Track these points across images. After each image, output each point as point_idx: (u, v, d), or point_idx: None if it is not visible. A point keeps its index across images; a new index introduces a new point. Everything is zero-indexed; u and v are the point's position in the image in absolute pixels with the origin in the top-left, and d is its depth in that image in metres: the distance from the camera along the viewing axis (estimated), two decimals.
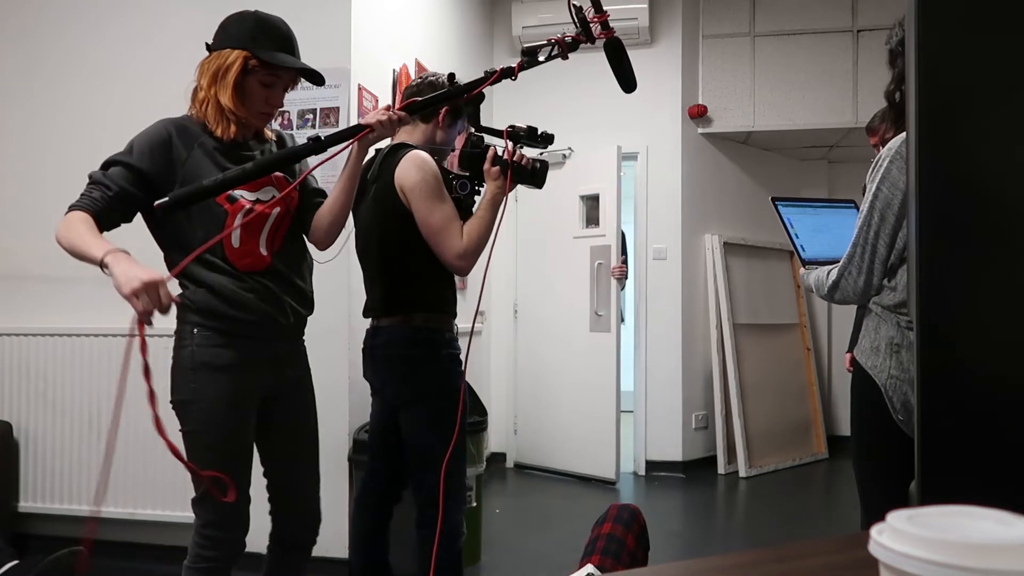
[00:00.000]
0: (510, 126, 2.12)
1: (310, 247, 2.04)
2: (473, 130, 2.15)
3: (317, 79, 1.92)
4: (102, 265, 1.63)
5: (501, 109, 5.12)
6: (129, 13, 3.39)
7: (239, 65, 1.81)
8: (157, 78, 3.34)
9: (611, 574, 1.59)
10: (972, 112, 0.96)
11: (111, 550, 3.19)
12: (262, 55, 1.82)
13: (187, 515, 3.09)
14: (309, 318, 2.02)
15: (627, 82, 1.93)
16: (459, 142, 2.31)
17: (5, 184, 3.49)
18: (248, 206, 1.82)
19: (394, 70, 3.68)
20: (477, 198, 2.19)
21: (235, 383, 1.84)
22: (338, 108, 3.15)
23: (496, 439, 5.32)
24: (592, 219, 5.12)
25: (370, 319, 2.24)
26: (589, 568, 1.62)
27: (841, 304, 1.82)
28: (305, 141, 1.92)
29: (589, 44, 1.88)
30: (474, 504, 3.10)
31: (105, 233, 1.76)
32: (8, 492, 3.25)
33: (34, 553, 2.96)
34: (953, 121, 0.96)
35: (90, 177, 1.81)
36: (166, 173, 1.81)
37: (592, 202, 5.14)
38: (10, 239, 3.46)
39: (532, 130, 2.11)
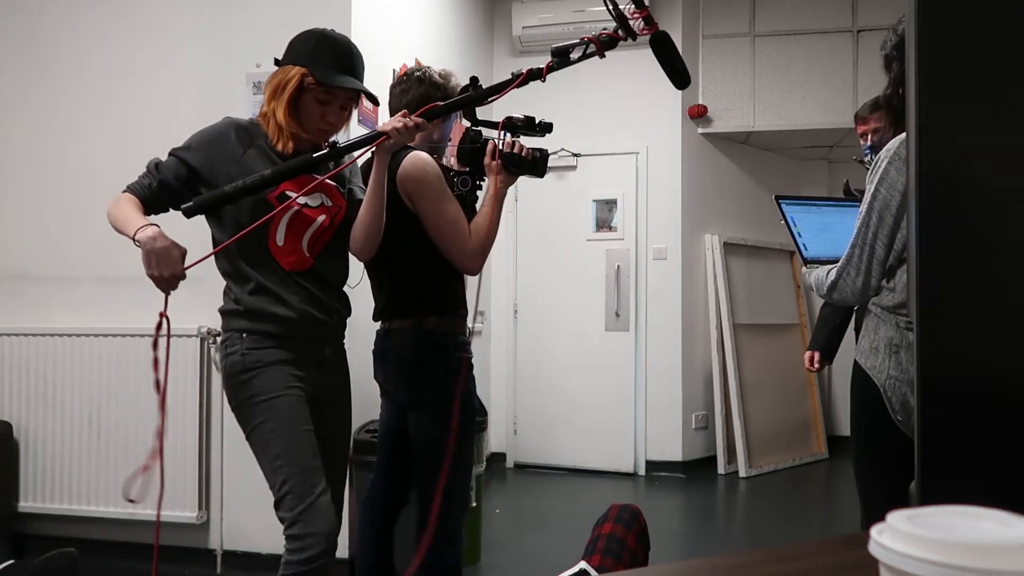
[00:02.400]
0: (507, 117, 2.10)
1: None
2: (470, 125, 2.14)
3: (374, 100, 1.96)
4: (135, 241, 1.73)
5: (499, 113, 5.12)
6: (131, 16, 3.39)
7: (296, 82, 1.86)
8: (158, 81, 3.35)
9: (611, 574, 1.59)
10: (972, 112, 0.96)
11: (111, 550, 3.19)
12: (318, 73, 1.85)
13: (187, 515, 3.12)
14: None
15: (679, 77, 1.85)
16: (456, 135, 2.29)
17: (5, 185, 3.49)
18: (296, 208, 1.86)
19: (394, 70, 3.68)
20: (479, 193, 2.17)
21: (290, 374, 1.85)
22: None
23: (496, 439, 5.32)
24: (606, 222, 5.27)
25: (380, 322, 2.22)
26: (582, 565, 1.62)
27: (840, 304, 1.83)
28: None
29: (630, 41, 1.84)
30: (474, 504, 3.10)
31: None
32: (8, 492, 3.25)
33: (34, 553, 2.96)
34: (953, 121, 0.96)
35: (147, 164, 1.90)
36: (220, 168, 1.87)
37: (607, 205, 5.28)
38: (10, 239, 3.46)
39: (530, 120, 2.08)
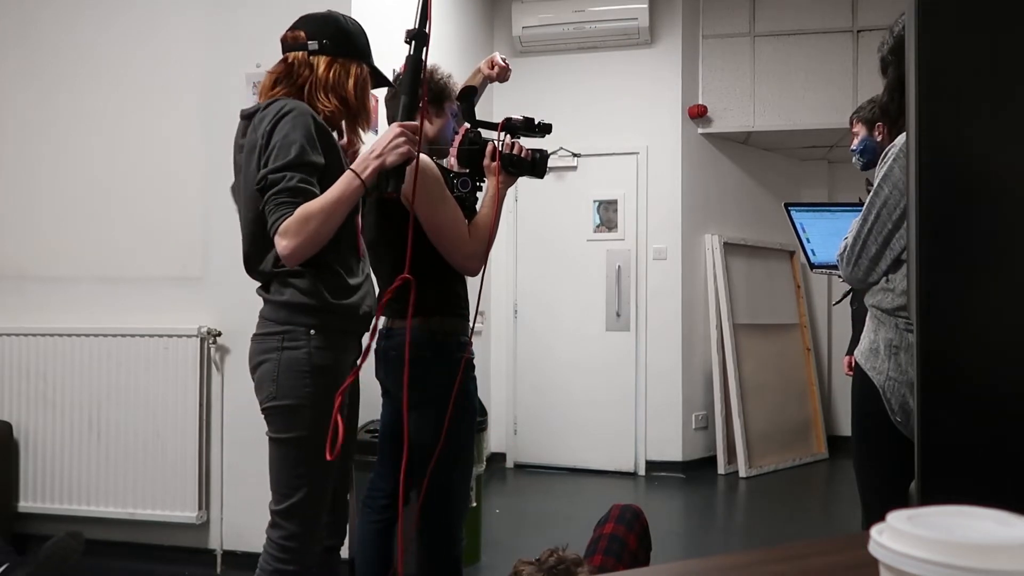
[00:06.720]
0: (506, 118, 2.11)
1: None
2: (468, 126, 2.14)
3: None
4: (363, 182, 1.69)
5: (500, 112, 5.12)
6: (128, 14, 3.39)
7: (368, 76, 1.92)
8: (155, 80, 3.35)
9: (612, 574, 1.59)
10: (972, 113, 0.96)
11: (111, 550, 3.19)
12: (375, 67, 1.94)
13: (186, 515, 3.12)
14: None
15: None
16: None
17: (4, 185, 3.49)
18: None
19: (394, 70, 3.67)
20: (479, 194, 2.17)
21: (347, 386, 1.73)
22: None
23: (496, 439, 5.32)
24: (607, 222, 5.31)
25: (383, 320, 2.22)
26: None
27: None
28: None
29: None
30: (474, 504, 3.10)
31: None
32: (8, 492, 3.25)
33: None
34: (953, 122, 0.96)
35: (284, 189, 1.67)
36: (332, 155, 1.76)
37: (608, 206, 5.31)
38: (10, 239, 3.46)
39: (529, 121, 2.09)
